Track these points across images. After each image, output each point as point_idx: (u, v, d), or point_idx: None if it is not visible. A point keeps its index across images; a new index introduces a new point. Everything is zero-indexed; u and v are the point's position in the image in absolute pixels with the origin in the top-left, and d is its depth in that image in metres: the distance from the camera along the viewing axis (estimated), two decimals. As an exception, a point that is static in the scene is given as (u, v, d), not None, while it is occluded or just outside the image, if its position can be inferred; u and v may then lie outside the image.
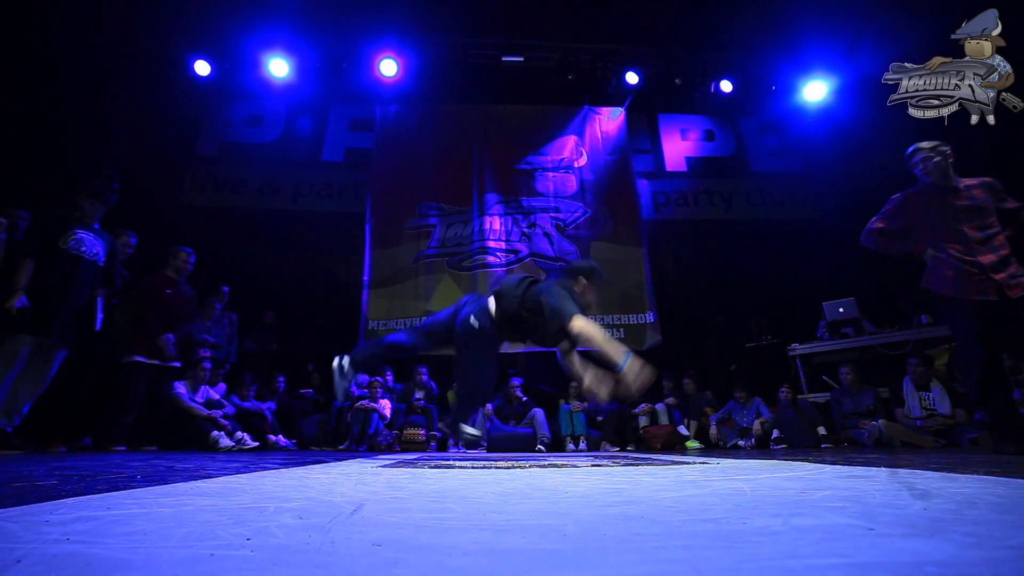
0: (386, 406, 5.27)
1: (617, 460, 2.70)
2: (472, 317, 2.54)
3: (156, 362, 4.18)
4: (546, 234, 7.01)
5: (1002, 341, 2.85)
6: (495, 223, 6.98)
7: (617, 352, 1.99)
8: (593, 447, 5.22)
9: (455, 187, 7.15)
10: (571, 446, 5.25)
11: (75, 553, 0.53)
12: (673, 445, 5.20)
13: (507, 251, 6.86)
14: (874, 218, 3.20)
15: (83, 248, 3.50)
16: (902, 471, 1.55)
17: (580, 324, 2.15)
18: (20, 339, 3.23)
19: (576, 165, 7.47)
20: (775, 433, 4.82)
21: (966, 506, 0.80)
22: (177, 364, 4.37)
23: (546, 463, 2.49)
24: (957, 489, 1.03)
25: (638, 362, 1.87)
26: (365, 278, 6.66)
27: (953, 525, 0.65)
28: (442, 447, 5.18)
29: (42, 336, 3.29)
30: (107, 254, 3.68)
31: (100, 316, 3.67)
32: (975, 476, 1.32)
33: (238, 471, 1.88)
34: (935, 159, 2.97)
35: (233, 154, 7.40)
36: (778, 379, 5.35)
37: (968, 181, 2.99)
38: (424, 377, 5.75)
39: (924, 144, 3.04)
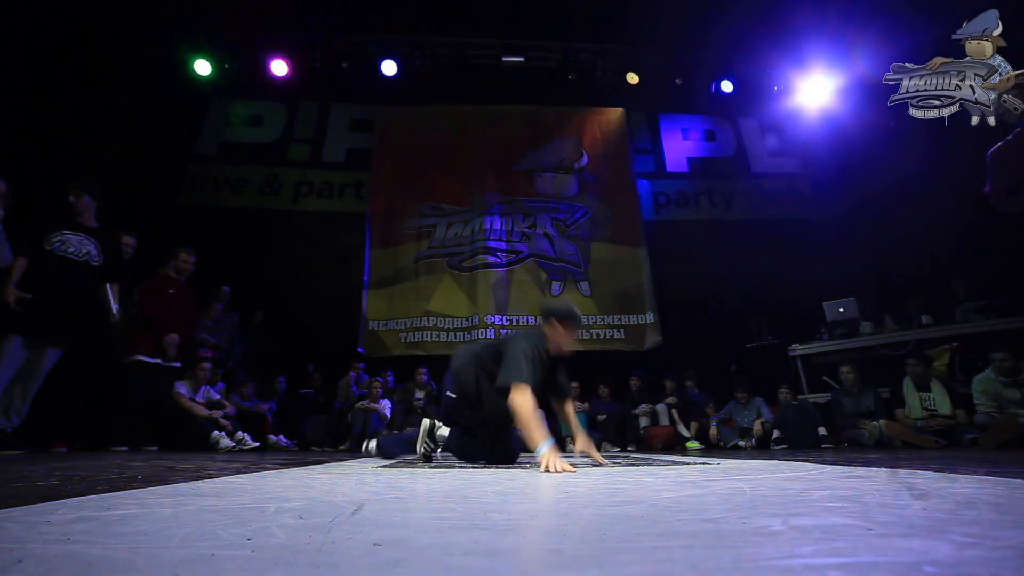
0: (386, 406, 5.27)
1: (618, 460, 2.70)
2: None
3: (158, 361, 4.18)
4: (546, 234, 7.01)
5: None
6: (495, 223, 6.99)
7: (536, 440, 1.96)
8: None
9: (455, 187, 7.15)
10: (571, 446, 5.25)
11: (76, 553, 0.53)
12: (674, 446, 5.20)
13: (507, 251, 6.86)
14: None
15: (69, 249, 3.48)
16: (902, 471, 1.55)
17: (516, 399, 2.06)
18: (12, 339, 3.23)
19: (576, 165, 7.47)
20: (775, 433, 4.82)
21: (965, 506, 0.80)
22: (178, 364, 4.37)
23: (546, 463, 2.48)
24: (956, 489, 1.03)
25: (554, 455, 1.85)
26: (365, 278, 6.66)
27: (951, 525, 0.65)
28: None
29: (33, 336, 3.29)
30: (102, 252, 3.66)
31: (115, 307, 3.66)
32: (974, 476, 1.33)
33: (239, 471, 1.88)
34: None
35: (233, 154, 7.40)
36: (778, 379, 5.35)
37: None
38: (424, 377, 5.75)
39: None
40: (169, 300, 4.33)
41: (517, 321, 6.44)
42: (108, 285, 3.67)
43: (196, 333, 4.95)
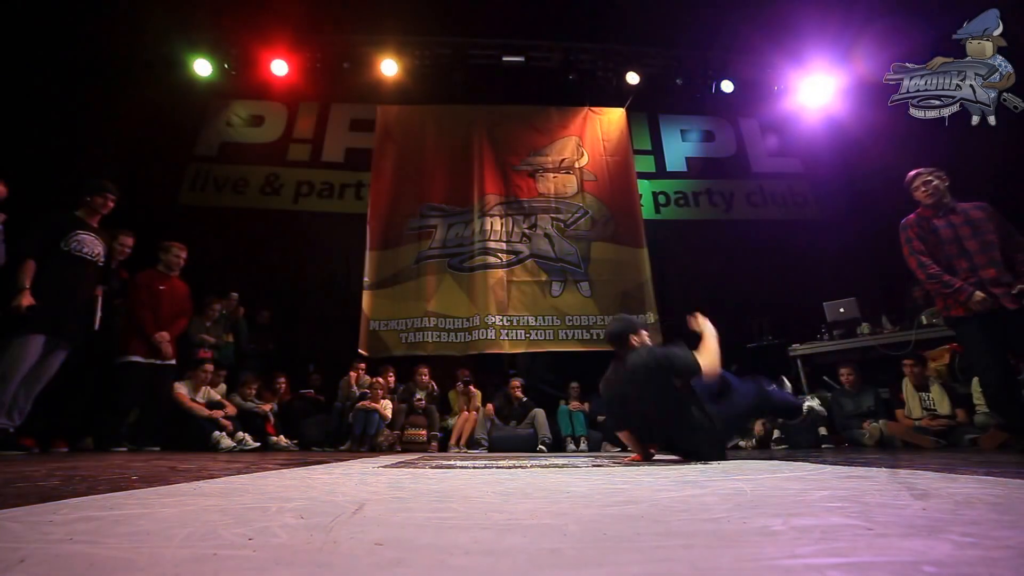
0: (387, 406, 5.27)
1: (618, 460, 2.70)
2: None
3: (153, 361, 4.12)
4: (546, 235, 7.00)
5: None
6: (495, 224, 6.97)
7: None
8: (594, 447, 5.23)
9: (456, 188, 7.14)
10: (571, 446, 5.25)
11: (78, 553, 0.53)
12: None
13: (508, 252, 6.85)
14: None
15: (84, 249, 3.54)
16: (902, 472, 1.55)
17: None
18: (30, 339, 3.24)
19: (577, 165, 7.47)
20: (776, 433, 4.81)
21: (964, 506, 0.80)
22: (173, 362, 4.28)
23: (547, 463, 2.49)
24: (956, 489, 1.03)
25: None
26: (365, 278, 6.65)
27: (951, 525, 0.65)
28: (443, 447, 5.19)
29: (51, 335, 3.31)
30: (107, 254, 3.71)
31: (99, 315, 3.66)
32: (974, 476, 1.33)
33: (240, 471, 1.88)
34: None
35: (233, 154, 7.40)
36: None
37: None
38: (425, 377, 5.75)
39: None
40: (159, 296, 4.23)
41: (517, 321, 6.43)
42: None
43: (194, 334, 4.94)
